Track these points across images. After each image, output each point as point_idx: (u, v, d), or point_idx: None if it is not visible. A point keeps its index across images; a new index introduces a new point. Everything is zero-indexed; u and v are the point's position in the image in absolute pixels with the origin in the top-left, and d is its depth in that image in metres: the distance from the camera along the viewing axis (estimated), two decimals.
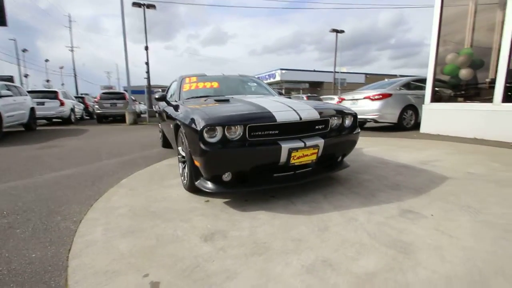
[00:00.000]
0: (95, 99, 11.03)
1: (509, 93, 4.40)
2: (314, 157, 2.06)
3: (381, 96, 6.17)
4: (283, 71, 37.30)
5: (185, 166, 2.46)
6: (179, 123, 2.27)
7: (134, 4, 15.41)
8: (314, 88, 39.85)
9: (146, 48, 25.28)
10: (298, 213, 1.90)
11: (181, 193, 2.36)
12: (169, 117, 2.96)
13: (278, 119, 1.95)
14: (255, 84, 3.68)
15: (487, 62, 4.94)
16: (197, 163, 1.98)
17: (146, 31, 16.31)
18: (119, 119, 10.94)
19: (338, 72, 33.74)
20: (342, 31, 26.46)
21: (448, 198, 2.07)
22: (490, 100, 4.61)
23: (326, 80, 40.54)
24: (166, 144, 4.53)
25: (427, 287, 1.13)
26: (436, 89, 5.68)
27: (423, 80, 6.88)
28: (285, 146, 1.91)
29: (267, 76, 38.63)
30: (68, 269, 1.34)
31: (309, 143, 1.99)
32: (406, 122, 6.47)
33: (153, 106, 10.31)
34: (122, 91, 11.39)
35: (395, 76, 41.64)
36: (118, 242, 1.57)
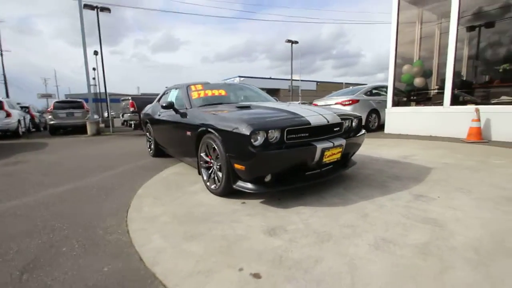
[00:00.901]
0: (48, 109, 9.84)
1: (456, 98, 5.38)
2: (339, 155, 2.34)
3: (350, 102, 6.89)
4: (242, 79, 38.05)
5: (212, 172, 2.53)
6: (211, 130, 2.34)
7: (86, 6, 14.26)
8: (272, 95, 41.55)
9: (96, 52, 23.47)
10: (333, 205, 2.14)
11: (211, 198, 2.41)
12: (183, 125, 2.96)
13: (312, 122, 2.18)
14: (253, 92, 3.86)
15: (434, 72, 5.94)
16: (239, 166, 2.09)
17: (100, 35, 15.25)
18: (76, 130, 9.96)
19: (294, 80, 35.74)
20: (296, 42, 28.19)
21: (441, 183, 2.54)
22: (440, 103, 5.56)
23: (282, 87, 42.62)
24: (158, 153, 4.40)
25: (468, 248, 1.46)
26: (406, 94, 6.58)
27: (380, 87, 7.90)
28: (319, 146, 2.15)
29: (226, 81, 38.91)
30: (156, 275, 1.35)
31: (336, 143, 2.26)
32: (371, 124, 7.31)
33: (121, 115, 9.63)
34: (79, 99, 10.37)
35: (341, 83, 45.59)
36: (187, 246, 1.61)
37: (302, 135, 2.20)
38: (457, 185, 2.48)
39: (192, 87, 3.39)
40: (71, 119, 9.70)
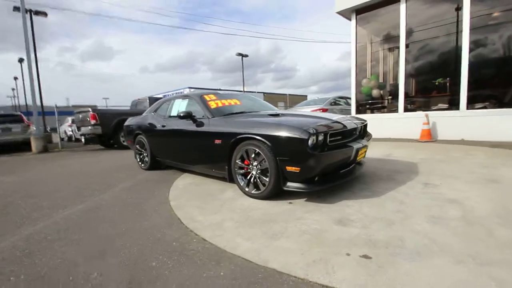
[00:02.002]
0: None
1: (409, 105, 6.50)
2: (365, 154, 2.72)
3: (321, 110, 7.62)
4: (192, 90, 37.46)
5: (251, 177, 2.61)
6: (256, 136, 2.44)
7: (16, 8, 12.29)
8: None
9: (22, 60, 20.27)
10: (368, 197, 2.47)
11: (255, 202, 2.50)
12: (207, 134, 2.97)
13: (347, 126, 2.51)
14: (258, 101, 4.05)
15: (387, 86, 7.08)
16: (293, 168, 2.26)
17: (35, 41, 13.31)
18: (16, 148, 8.43)
19: (244, 92, 36.82)
20: (246, 55, 29.32)
21: (433, 173, 3.14)
22: (396, 111, 6.64)
23: None
24: (154, 166, 4.18)
25: (492, 215, 1.93)
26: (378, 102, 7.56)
27: (339, 98, 8.97)
28: (355, 147, 2.48)
29: (174, 94, 37.72)
30: (291, 274, 1.43)
31: (363, 143, 2.63)
32: None
33: (71, 130, 8.52)
34: (16, 113, 8.77)
35: (284, 95, 48.76)
36: (278, 243, 1.71)
37: (338, 137, 2.50)
38: (446, 173, 3.10)
39: (206, 97, 3.41)
40: (8, 134, 8.18)
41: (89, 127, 7.31)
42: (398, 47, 6.51)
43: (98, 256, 1.67)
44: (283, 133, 2.30)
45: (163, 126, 3.72)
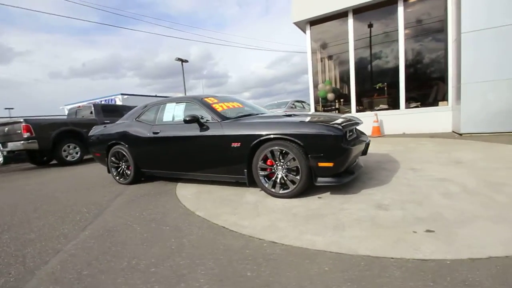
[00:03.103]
0: None
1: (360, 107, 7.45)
2: (368, 147, 3.06)
3: (286, 112, 8.04)
4: (125, 96, 33.86)
5: (277, 177, 2.64)
6: (286, 136, 2.49)
7: None
8: None
9: None
10: (381, 184, 2.79)
11: (285, 201, 2.54)
12: (220, 137, 2.85)
13: (355, 123, 2.79)
14: (254, 104, 4.05)
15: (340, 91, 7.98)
16: (326, 164, 2.40)
17: None
18: None
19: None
20: (186, 61, 28.37)
21: (409, 160, 3.72)
22: (349, 111, 7.53)
23: None
24: (137, 179, 3.75)
25: (479, 187, 2.46)
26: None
27: (296, 101, 9.67)
28: (367, 141, 2.78)
29: (104, 101, 33.40)
30: (387, 257, 1.53)
31: (368, 138, 2.97)
32: None
33: None
34: None
35: None
36: (347, 233, 1.81)
37: (352, 133, 2.77)
38: (419, 160, 3.73)
39: (208, 100, 3.26)
40: None
41: (21, 142, 5.92)
42: (347, 56, 7.42)
43: None
44: (319, 131, 2.42)
45: (155, 133, 3.37)
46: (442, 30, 6.52)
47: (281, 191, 2.63)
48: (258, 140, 2.64)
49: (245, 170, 2.80)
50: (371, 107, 7.78)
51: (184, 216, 2.41)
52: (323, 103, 8.26)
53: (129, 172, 3.78)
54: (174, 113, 3.41)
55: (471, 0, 5.06)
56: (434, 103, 6.81)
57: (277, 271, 1.45)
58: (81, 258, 1.77)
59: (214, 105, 3.19)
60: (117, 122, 4.06)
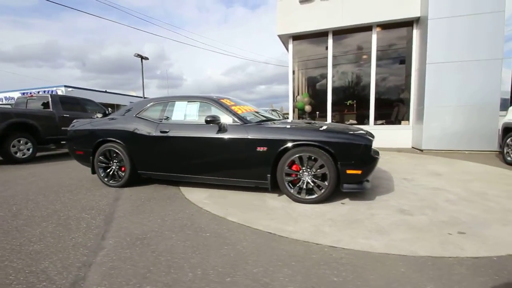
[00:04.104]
0: None
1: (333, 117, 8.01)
2: None
3: None
4: (70, 89, 30.01)
5: (303, 182, 2.68)
6: (316, 143, 2.56)
7: None
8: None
9: None
10: (387, 192, 3.06)
11: (313, 207, 2.60)
12: (242, 140, 2.78)
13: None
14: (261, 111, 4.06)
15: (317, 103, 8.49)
16: (354, 171, 2.54)
17: None
18: None
19: (132, 96, 33.40)
20: (146, 58, 26.67)
21: (396, 171, 4.15)
22: None
23: (122, 102, 38.07)
24: (132, 181, 3.39)
25: (470, 195, 2.89)
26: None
27: (273, 110, 9.88)
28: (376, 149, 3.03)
29: (43, 92, 28.86)
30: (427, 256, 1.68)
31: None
32: None
33: None
34: None
35: None
36: (395, 236, 1.95)
37: None
38: (404, 171, 4.18)
39: (226, 102, 3.16)
40: None
41: None
42: (326, 73, 7.97)
43: None
44: (351, 140, 2.56)
45: (164, 132, 3.10)
46: (404, 60, 7.52)
47: (307, 197, 2.68)
48: (287, 145, 2.66)
49: (269, 175, 2.78)
50: (342, 122, 8.43)
51: (216, 221, 2.27)
52: (300, 114, 8.65)
53: (122, 174, 3.38)
54: (186, 112, 3.20)
55: (435, 37, 5.98)
56: (396, 121, 7.73)
57: (359, 275, 1.48)
58: (129, 271, 1.53)
59: (233, 108, 3.11)
60: (107, 117, 3.62)
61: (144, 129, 3.22)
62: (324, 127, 2.88)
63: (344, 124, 7.03)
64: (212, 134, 2.92)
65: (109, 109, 8.38)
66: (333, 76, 7.95)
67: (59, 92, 29.65)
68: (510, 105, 4.92)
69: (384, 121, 7.76)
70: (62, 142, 6.89)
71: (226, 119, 2.98)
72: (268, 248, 1.80)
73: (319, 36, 7.87)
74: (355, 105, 8.41)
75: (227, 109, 3.06)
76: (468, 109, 5.92)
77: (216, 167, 3.00)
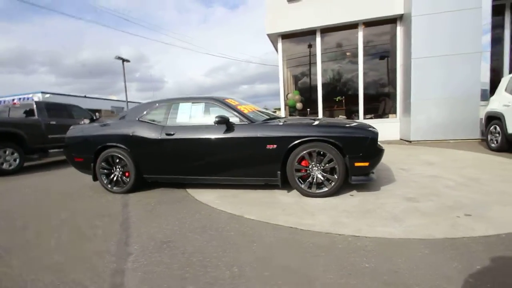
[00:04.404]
0: None
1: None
2: None
3: None
4: (47, 95, 28.63)
5: (313, 177, 2.76)
6: (327, 139, 2.65)
7: None
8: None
9: None
10: (390, 182, 3.21)
11: (322, 200, 2.69)
12: (254, 139, 2.82)
13: None
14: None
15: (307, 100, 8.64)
16: (362, 163, 2.65)
17: None
18: None
19: (113, 100, 32.60)
20: (127, 60, 25.92)
21: (392, 162, 4.33)
22: None
23: (104, 107, 36.98)
24: (136, 186, 3.34)
25: (466, 181, 3.09)
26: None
27: (265, 108, 9.95)
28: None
29: (18, 99, 27.33)
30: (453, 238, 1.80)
31: None
32: None
33: None
34: None
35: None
36: (410, 222, 2.06)
37: None
38: (399, 162, 4.37)
39: (231, 102, 3.18)
40: None
41: None
42: (315, 71, 8.14)
43: None
44: (359, 134, 2.67)
45: (169, 134, 3.08)
46: (389, 56, 7.82)
47: (317, 191, 2.76)
48: (297, 142, 2.73)
49: (279, 172, 2.83)
50: (332, 117, 8.64)
51: (235, 220, 2.29)
52: (290, 112, 8.78)
53: (126, 179, 3.31)
54: (190, 113, 3.19)
55: (419, 33, 6.28)
56: (384, 115, 8.02)
57: (388, 260, 1.57)
58: (165, 273, 1.53)
59: (239, 107, 3.13)
60: (107, 122, 3.53)
61: (148, 133, 3.18)
62: (331, 123, 2.97)
63: (345, 119, 7.21)
64: (220, 134, 2.94)
65: (97, 114, 8.12)
66: (322, 73, 8.13)
67: (35, 98, 28.43)
68: (491, 95, 5.25)
69: (372, 115, 8.03)
70: (50, 150, 6.61)
71: (232, 119, 3.01)
72: (294, 242, 1.85)
73: (307, 34, 8.02)
74: (343, 101, 8.65)
75: (233, 108, 3.08)
76: (452, 100, 6.26)
77: (225, 167, 3.02)
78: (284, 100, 8.57)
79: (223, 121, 2.86)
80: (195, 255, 1.73)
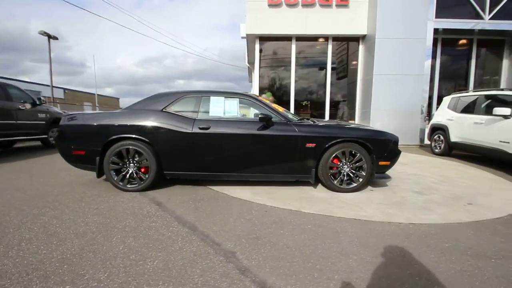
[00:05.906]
0: None
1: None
2: None
3: None
4: None
5: (343, 174, 3.06)
6: (360, 140, 2.99)
7: None
8: None
9: None
10: (392, 180, 3.78)
11: (353, 194, 3.02)
12: (294, 137, 2.96)
13: None
14: None
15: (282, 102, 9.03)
16: (385, 162, 3.09)
17: None
18: None
19: (25, 82, 27.24)
20: (56, 38, 21.54)
21: None
22: None
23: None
24: (155, 182, 3.06)
25: (452, 178, 3.90)
26: None
27: None
28: None
29: None
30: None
31: None
32: None
33: None
34: None
35: (92, 94, 41.23)
36: (431, 211, 2.55)
37: None
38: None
39: (265, 99, 3.21)
40: None
41: None
42: (288, 75, 8.61)
43: None
44: (386, 137, 3.10)
45: (203, 128, 2.91)
46: (346, 74, 8.92)
47: (347, 187, 3.07)
48: (334, 142, 2.98)
49: (313, 169, 3.04)
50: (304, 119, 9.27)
51: (298, 215, 2.39)
52: None
53: (145, 175, 2.97)
54: (225, 108, 3.08)
55: (380, 54, 7.39)
56: (342, 121, 9.08)
57: (442, 239, 1.96)
58: (286, 265, 1.55)
59: (274, 105, 3.21)
60: (124, 109, 3.10)
61: (178, 126, 2.94)
62: (360, 127, 3.36)
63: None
64: (259, 130, 2.96)
65: (42, 98, 6.72)
66: (295, 78, 8.67)
67: None
68: (436, 110, 6.61)
69: (337, 118, 8.99)
70: None
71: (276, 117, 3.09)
72: (368, 231, 2.09)
73: (284, 40, 8.42)
74: (309, 106, 9.41)
75: (270, 107, 3.14)
76: (401, 112, 7.58)
77: (259, 163, 3.05)
78: None
79: (266, 118, 2.90)
80: (295, 248, 1.79)
